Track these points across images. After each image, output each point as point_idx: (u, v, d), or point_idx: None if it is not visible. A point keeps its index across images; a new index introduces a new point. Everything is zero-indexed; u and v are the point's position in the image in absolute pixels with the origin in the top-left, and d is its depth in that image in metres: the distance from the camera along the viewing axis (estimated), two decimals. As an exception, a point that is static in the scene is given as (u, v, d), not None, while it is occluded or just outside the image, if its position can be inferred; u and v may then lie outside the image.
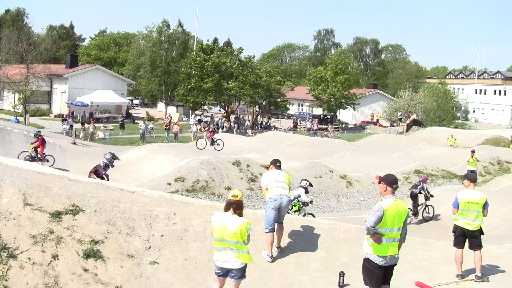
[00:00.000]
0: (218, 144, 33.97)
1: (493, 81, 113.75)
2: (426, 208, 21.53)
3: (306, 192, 18.17)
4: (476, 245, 10.83)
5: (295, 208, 18.11)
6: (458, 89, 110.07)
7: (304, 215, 17.70)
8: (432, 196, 21.57)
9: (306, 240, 12.00)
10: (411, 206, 20.59)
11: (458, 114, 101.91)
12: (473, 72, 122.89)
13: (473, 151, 30.77)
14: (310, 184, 18.75)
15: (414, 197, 21.16)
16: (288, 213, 14.45)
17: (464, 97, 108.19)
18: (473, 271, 10.96)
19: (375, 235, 7.95)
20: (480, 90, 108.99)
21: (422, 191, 21.27)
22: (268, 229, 10.98)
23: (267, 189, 11.22)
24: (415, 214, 21.03)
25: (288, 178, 11.53)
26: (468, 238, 10.89)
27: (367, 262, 8.13)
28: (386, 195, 8.07)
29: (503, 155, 37.54)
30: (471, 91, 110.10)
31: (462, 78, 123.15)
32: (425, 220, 20.93)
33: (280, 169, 11.77)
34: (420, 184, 21.52)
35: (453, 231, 11.09)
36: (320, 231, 12.54)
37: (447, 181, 29.75)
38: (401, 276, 10.78)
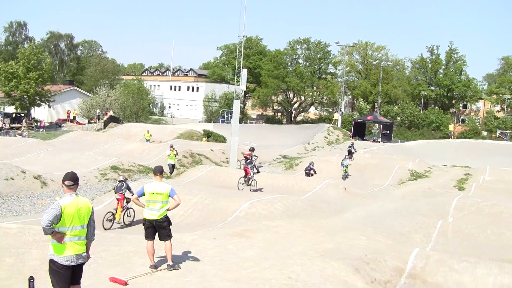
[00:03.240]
0: None
1: (186, 78, 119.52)
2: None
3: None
4: (165, 235, 11.17)
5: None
6: (155, 85, 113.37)
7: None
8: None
9: (-9, 248, 11.19)
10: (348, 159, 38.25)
11: (155, 110, 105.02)
12: (168, 70, 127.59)
13: (171, 146, 31.79)
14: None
15: (349, 152, 41.06)
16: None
17: (160, 93, 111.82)
18: (166, 260, 11.30)
19: (57, 234, 7.67)
20: (175, 87, 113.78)
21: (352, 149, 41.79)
22: None
23: None
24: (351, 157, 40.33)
25: None
26: (157, 229, 11.17)
27: (52, 263, 7.81)
28: (66, 193, 7.88)
29: (195, 148, 39.65)
30: (167, 88, 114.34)
31: (158, 75, 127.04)
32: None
33: None
34: (352, 145, 42.49)
35: (143, 224, 11.32)
36: (7, 237, 11.87)
37: (143, 175, 30.38)
38: (96, 273, 10.71)
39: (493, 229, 18.50)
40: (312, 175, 32.19)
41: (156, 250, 11.28)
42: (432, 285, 12.62)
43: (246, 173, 26.15)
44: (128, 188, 18.69)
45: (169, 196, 11.19)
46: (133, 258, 12.06)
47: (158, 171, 11.52)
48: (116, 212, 18.32)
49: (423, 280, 12.74)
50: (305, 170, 33.05)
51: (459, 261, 13.41)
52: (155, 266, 11.19)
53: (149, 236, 11.18)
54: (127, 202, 18.64)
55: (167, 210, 11.25)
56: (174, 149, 31.29)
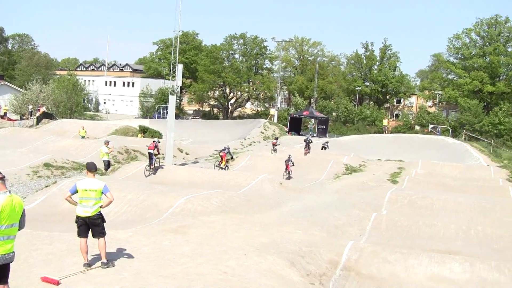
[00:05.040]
0: None
1: (122, 73, 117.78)
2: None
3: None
4: (98, 232, 11.00)
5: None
6: (89, 80, 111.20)
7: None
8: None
9: None
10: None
11: (90, 106, 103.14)
12: (103, 65, 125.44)
13: (107, 142, 31.19)
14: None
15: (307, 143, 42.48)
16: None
17: (95, 89, 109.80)
18: (100, 258, 11.14)
19: None
20: (110, 82, 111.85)
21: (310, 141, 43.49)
22: None
23: None
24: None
25: None
26: (90, 227, 10.98)
27: None
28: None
29: (131, 144, 39.15)
30: (102, 83, 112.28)
31: (93, 70, 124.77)
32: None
33: None
34: (308, 137, 45.95)
35: (76, 222, 11.08)
36: None
37: (77, 172, 29.75)
38: (27, 273, 10.49)
39: (425, 220, 19.04)
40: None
41: (89, 248, 11.09)
42: (366, 276, 12.89)
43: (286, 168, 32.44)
44: (229, 152, 33.12)
45: (102, 193, 11.00)
46: (66, 256, 11.83)
47: (91, 167, 11.29)
48: (221, 162, 32.35)
49: (357, 272, 13.00)
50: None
51: (391, 253, 13.74)
52: (88, 264, 11.01)
53: (82, 233, 10.95)
54: (227, 160, 32.59)
55: (100, 207, 11.07)
56: (109, 145, 30.71)
